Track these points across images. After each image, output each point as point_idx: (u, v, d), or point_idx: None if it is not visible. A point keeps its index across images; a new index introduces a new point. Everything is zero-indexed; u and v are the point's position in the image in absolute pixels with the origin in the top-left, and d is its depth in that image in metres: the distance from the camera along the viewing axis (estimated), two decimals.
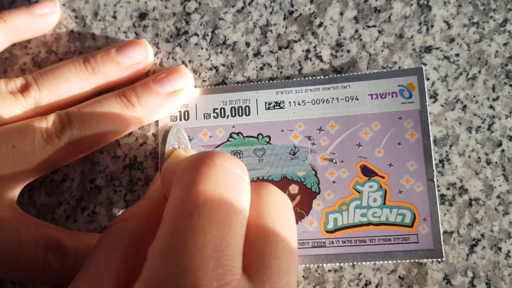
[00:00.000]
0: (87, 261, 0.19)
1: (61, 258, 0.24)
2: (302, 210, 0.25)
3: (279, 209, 0.19)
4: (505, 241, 0.24)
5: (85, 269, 0.19)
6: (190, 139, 0.27)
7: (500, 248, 0.24)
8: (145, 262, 0.16)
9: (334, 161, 0.25)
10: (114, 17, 0.29)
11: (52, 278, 0.24)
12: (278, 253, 0.17)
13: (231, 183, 0.17)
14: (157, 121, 0.27)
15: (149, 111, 0.26)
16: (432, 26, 0.26)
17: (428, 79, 0.26)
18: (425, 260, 0.24)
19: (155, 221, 0.18)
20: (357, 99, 0.26)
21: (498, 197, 0.24)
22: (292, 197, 0.25)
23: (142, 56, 0.27)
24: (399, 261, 0.24)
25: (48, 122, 0.25)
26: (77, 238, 0.24)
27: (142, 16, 0.29)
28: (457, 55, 0.26)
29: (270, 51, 0.27)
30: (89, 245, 0.24)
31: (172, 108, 0.27)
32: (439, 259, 0.24)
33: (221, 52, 0.28)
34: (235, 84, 0.27)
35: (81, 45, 0.29)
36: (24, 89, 0.26)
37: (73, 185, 0.27)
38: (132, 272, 0.18)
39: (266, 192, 0.19)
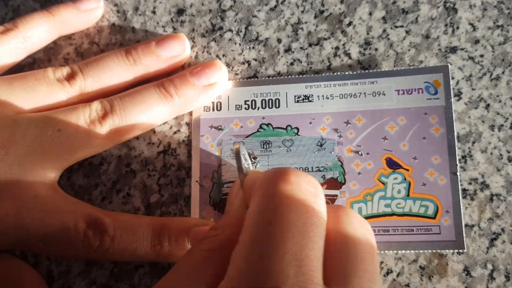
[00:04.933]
0: (177, 266, 0.20)
1: (100, 235, 0.25)
2: (327, 199, 0.26)
3: (360, 229, 0.19)
4: None
5: (176, 271, 0.19)
6: (221, 129, 0.28)
7: None
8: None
9: (360, 153, 0.26)
10: (154, 12, 0.30)
11: (90, 254, 0.25)
12: (359, 272, 0.18)
13: (307, 199, 0.18)
14: (191, 111, 0.29)
15: (185, 102, 0.27)
16: (457, 27, 0.27)
17: (452, 78, 0.27)
18: (446, 251, 0.25)
19: None
20: (384, 94, 0.27)
21: None
22: None
23: (180, 49, 0.28)
24: (420, 251, 0.25)
25: (91, 109, 0.26)
26: (114, 217, 0.26)
27: (180, 12, 0.30)
28: (481, 56, 0.27)
29: (301, 48, 0.29)
30: (126, 224, 0.25)
31: (207, 99, 0.28)
32: (460, 251, 0.25)
33: (253, 48, 0.29)
34: (266, 78, 0.29)
35: (121, 37, 0.31)
36: (70, 77, 0.27)
37: (110, 169, 0.29)
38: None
39: (344, 213, 0.20)
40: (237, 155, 0.23)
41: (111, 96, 0.28)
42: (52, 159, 0.26)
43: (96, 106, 0.27)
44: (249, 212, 0.19)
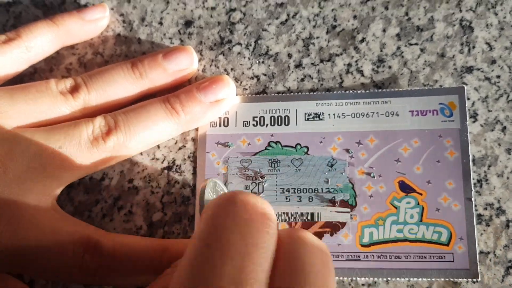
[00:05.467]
0: None
1: (98, 260, 0.24)
2: (337, 223, 0.25)
3: (314, 255, 0.18)
4: None
5: None
6: (228, 145, 0.27)
7: None
8: None
9: (372, 175, 0.25)
10: (161, 23, 0.30)
11: (88, 279, 0.24)
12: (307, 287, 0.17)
13: (252, 219, 0.17)
14: (197, 127, 0.28)
15: (192, 119, 0.27)
16: (473, 47, 0.27)
17: (468, 99, 0.26)
18: (460, 279, 0.24)
19: None
20: (398, 115, 0.26)
21: None
22: None
23: (187, 62, 0.28)
24: (433, 279, 0.24)
25: (94, 125, 0.25)
26: (114, 239, 0.25)
27: (188, 23, 0.29)
28: (498, 76, 0.26)
29: (312, 63, 0.28)
30: (126, 248, 0.24)
31: (214, 116, 0.27)
32: (475, 279, 0.24)
33: (263, 62, 0.28)
34: (276, 94, 0.28)
35: (126, 48, 0.30)
36: (74, 90, 0.26)
37: (111, 184, 0.28)
38: None
39: (298, 236, 0.18)
40: (202, 192, 0.22)
41: (114, 109, 0.27)
42: (53, 177, 0.25)
43: (99, 122, 0.26)
44: (193, 236, 0.18)
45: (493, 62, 0.26)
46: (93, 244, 0.24)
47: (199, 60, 0.29)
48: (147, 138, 0.26)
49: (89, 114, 0.27)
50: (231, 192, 0.19)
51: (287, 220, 0.26)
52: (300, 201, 0.26)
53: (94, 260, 0.24)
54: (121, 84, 0.27)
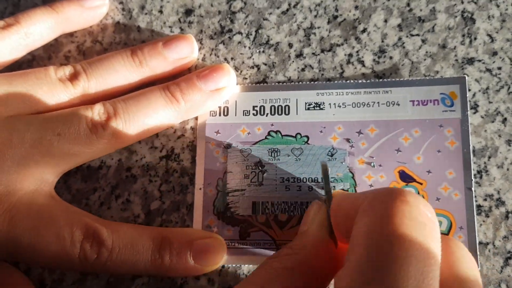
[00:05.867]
0: (248, 279, 0.19)
1: (97, 248, 0.23)
2: None
3: (471, 264, 0.18)
4: None
5: (246, 284, 0.19)
6: (228, 135, 0.27)
7: None
8: None
9: (372, 164, 0.25)
10: (161, 11, 0.29)
11: (86, 267, 0.24)
12: None
13: (425, 224, 0.17)
14: (196, 116, 0.28)
15: (192, 107, 0.26)
16: (475, 38, 0.27)
17: (469, 90, 0.26)
18: None
19: (321, 257, 0.20)
20: (398, 105, 0.26)
21: None
22: None
23: (188, 51, 0.27)
24: None
25: (93, 112, 0.25)
26: (113, 228, 0.24)
27: (188, 12, 0.29)
28: (499, 68, 0.26)
29: (313, 53, 0.28)
30: (125, 236, 0.24)
31: (215, 105, 0.27)
32: None
33: (263, 52, 0.28)
34: (276, 83, 0.28)
35: (126, 36, 0.30)
36: (73, 77, 0.26)
37: (109, 173, 0.28)
38: None
39: (456, 245, 0.18)
40: (325, 174, 0.22)
41: (114, 98, 0.26)
42: (51, 164, 0.25)
43: (98, 109, 0.25)
44: (360, 231, 0.17)
45: (495, 53, 0.26)
46: (91, 232, 0.24)
47: (199, 49, 0.29)
48: (146, 126, 0.26)
49: (88, 102, 0.26)
50: (397, 189, 0.18)
51: (287, 209, 0.26)
52: (300, 190, 0.26)
53: (92, 249, 0.23)
54: (120, 72, 0.27)
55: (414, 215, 0.16)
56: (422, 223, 0.16)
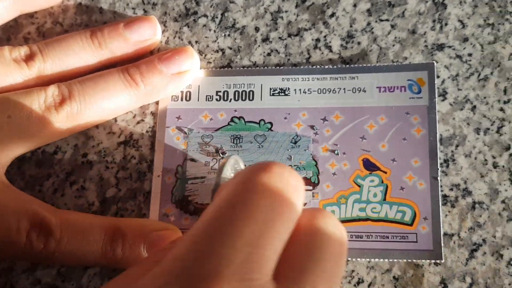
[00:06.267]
0: (125, 273, 0.17)
1: (44, 238, 0.22)
2: None
3: (332, 229, 0.18)
4: (508, 248, 0.23)
5: (123, 277, 0.17)
6: (189, 121, 0.26)
7: (501, 255, 0.23)
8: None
9: (336, 152, 0.24)
10: None
11: (33, 257, 0.23)
12: (317, 271, 0.16)
13: (283, 190, 0.17)
14: (157, 100, 0.27)
15: (152, 91, 0.25)
16: (446, 24, 0.26)
17: (438, 76, 0.25)
18: (423, 261, 0.23)
19: None
20: (365, 91, 0.25)
21: (503, 202, 0.24)
22: None
23: (150, 33, 0.26)
24: (394, 260, 0.23)
25: (47, 94, 0.24)
26: (63, 216, 0.23)
27: None
28: (469, 54, 0.25)
29: (279, 38, 0.27)
30: (75, 226, 0.23)
31: (176, 89, 0.26)
32: (438, 261, 0.23)
33: (229, 35, 0.27)
34: (241, 68, 0.27)
35: (87, 18, 0.28)
36: (28, 58, 0.25)
37: (65, 158, 0.26)
38: None
39: (321, 213, 0.18)
40: (220, 169, 0.21)
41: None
42: (1, 148, 0.24)
43: (52, 90, 0.24)
44: (216, 199, 0.17)
45: (465, 40, 0.26)
46: (39, 221, 0.23)
47: (163, 32, 0.28)
48: (104, 110, 0.25)
49: (44, 84, 0.25)
50: (266, 162, 0.18)
51: None
52: None
53: (39, 239, 0.22)
54: (78, 54, 0.26)
55: (272, 182, 0.16)
56: (280, 189, 0.16)
